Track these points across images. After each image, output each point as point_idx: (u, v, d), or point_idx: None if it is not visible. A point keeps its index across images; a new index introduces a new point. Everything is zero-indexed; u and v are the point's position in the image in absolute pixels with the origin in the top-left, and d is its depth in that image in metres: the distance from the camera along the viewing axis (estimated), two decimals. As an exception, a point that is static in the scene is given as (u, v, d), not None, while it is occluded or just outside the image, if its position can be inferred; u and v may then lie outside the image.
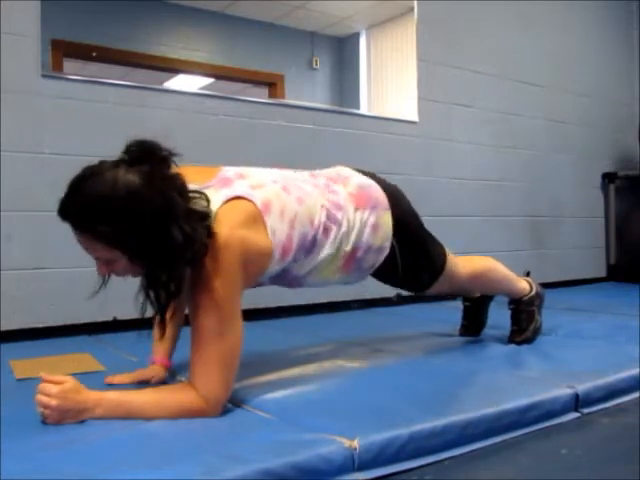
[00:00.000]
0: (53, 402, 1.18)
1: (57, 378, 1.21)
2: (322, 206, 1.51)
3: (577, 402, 1.40)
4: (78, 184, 1.28)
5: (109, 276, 1.41)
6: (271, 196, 1.41)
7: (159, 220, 1.21)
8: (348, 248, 1.55)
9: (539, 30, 3.96)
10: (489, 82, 3.67)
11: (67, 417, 1.19)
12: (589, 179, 4.28)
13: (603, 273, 4.34)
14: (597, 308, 2.85)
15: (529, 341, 1.98)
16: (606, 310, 2.79)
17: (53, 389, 1.19)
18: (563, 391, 1.40)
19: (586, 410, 1.41)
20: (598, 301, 3.21)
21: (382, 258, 1.63)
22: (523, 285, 2.02)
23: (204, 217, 1.28)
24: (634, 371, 1.59)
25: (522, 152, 3.83)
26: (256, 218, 1.36)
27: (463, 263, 1.86)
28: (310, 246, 1.48)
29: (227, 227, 1.29)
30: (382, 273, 1.70)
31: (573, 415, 1.38)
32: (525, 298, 1.99)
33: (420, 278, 1.76)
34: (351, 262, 1.59)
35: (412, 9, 3.37)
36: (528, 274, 2.15)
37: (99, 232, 1.23)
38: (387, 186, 1.68)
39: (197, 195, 1.30)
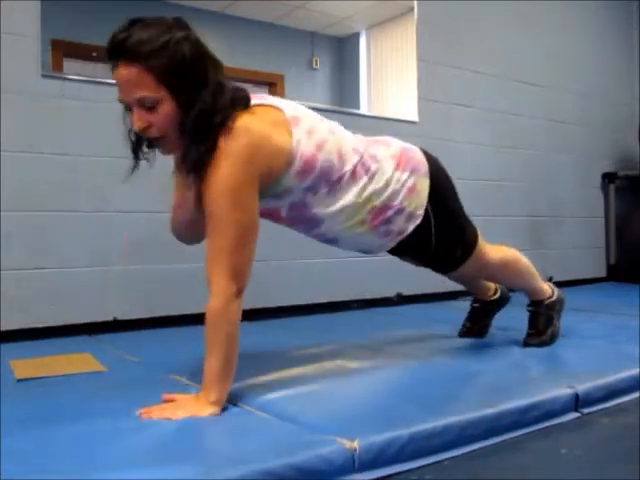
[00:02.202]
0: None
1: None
2: (355, 150, 1.52)
3: (577, 402, 1.41)
4: (135, 20, 1.31)
5: (143, 142, 1.38)
6: (303, 115, 1.45)
7: (205, 68, 1.29)
8: (377, 203, 1.54)
9: (539, 30, 3.96)
10: (489, 82, 3.67)
11: None
12: (589, 179, 4.28)
13: (603, 273, 4.34)
14: (597, 308, 2.85)
15: (546, 344, 1.94)
16: (606, 310, 2.79)
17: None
18: (563, 391, 1.40)
19: (586, 410, 1.41)
20: (598, 301, 3.21)
21: (411, 227, 1.61)
22: (545, 286, 2.00)
23: (235, 96, 1.34)
24: (634, 371, 1.59)
25: (522, 152, 3.83)
26: (282, 123, 1.39)
27: (494, 247, 1.85)
28: (334, 183, 1.47)
29: (250, 118, 1.33)
30: (414, 246, 1.68)
31: (573, 415, 1.38)
32: (546, 302, 1.96)
33: (453, 252, 1.73)
34: (379, 219, 1.56)
35: (412, 9, 3.36)
36: (550, 279, 2.14)
37: (154, 63, 1.24)
38: (429, 155, 1.72)
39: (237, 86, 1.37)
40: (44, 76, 2.31)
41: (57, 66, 2.40)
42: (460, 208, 1.78)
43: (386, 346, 2.01)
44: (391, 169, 1.57)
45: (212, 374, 1.30)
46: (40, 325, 2.29)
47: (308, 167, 1.42)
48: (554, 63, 4.03)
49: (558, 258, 3.98)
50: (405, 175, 1.59)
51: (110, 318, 2.41)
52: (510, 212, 3.74)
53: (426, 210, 1.63)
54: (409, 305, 3.13)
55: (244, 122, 1.32)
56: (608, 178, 4.31)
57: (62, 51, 2.46)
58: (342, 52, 3.53)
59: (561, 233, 4.04)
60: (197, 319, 2.48)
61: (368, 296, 3.08)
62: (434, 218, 1.64)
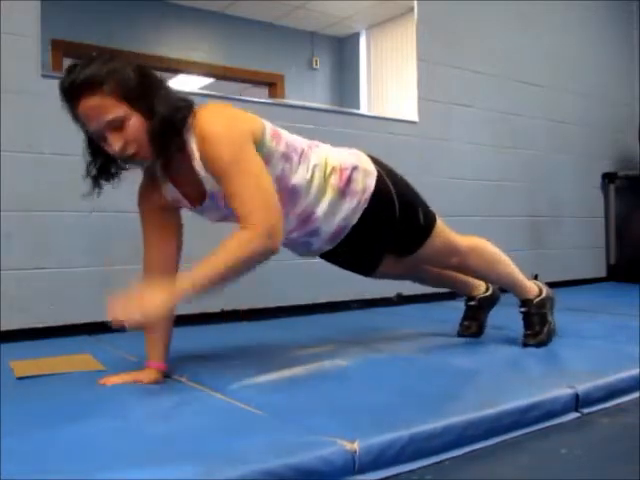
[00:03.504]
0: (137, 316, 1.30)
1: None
2: (301, 138, 1.71)
3: (577, 402, 1.41)
4: (73, 67, 1.41)
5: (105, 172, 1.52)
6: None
7: (150, 81, 1.44)
8: (337, 165, 1.69)
9: (539, 30, 3.96)
10: (489, 82, 3.67)
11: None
12: (589, 179, 4.28)
13: (603, 273, 4.34)
14: (597, 308, 2.85)
15: (544, 344, 1.95)
16: (606, 310, 2.79)
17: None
18: (563, 391, 1.40)
19: (586, 410, 1.41)
20: (598, 301, 3.21)
21: (372, 182, 1.73)
22: (530, 284, 2.00)
23: (185, 100, 1.49)
24: (634, 371, 1.59)
25: (522, 152, 3.83)
26: (240, 110, 1.55)
27: (461, 235, 1.93)
28: (300, 152, 1.63)
29: (208, 107, 1.50)
30: (381, 220, 1.76)
31: (573, 415, 1.39)
32: (535, 300, 1.97)
33: (417, 219, 1.82)
34: (342, 178, 1.69)
35: (412, 9, 3.36)
36: (536, 277, 2.15)
37: (110, 87, 1.36)
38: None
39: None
40: (44, 76, 2.31)
41: (57, 66, 2.40)
42: (409, 184, 1.88)
43: (386, 346, 2.01)
44: (330, 147, 1.77)
45: (198, 270, 1.36)
46: (40, 325, 2.29)
47: (276, 134, 1.58)
48: (554, 63, 4.03)
49: (558, 258, 3.99)
50: (343, 149, 1.79)
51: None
52: (510, 212, 3.74)
53: (379, 173, 1.76)
54: (409, 305, 3.13)
55: (209, 107, 1.50)
56: (608, 178, 4.31)
57: (62, 51, 2.46)
58: (342, 52, 3.53)
59: (561, 233, 4.04)
60: (197, 319, 2.48)
61: (368, 296, 3.08)
62: (390, 181, 1.78)
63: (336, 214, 1.71)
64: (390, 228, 1.80)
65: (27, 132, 2.28)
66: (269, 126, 1.57)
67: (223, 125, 1.44)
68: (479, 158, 3.61)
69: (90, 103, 1.37)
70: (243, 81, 3.13)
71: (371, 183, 1.74)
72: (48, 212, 2.32)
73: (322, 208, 1.68)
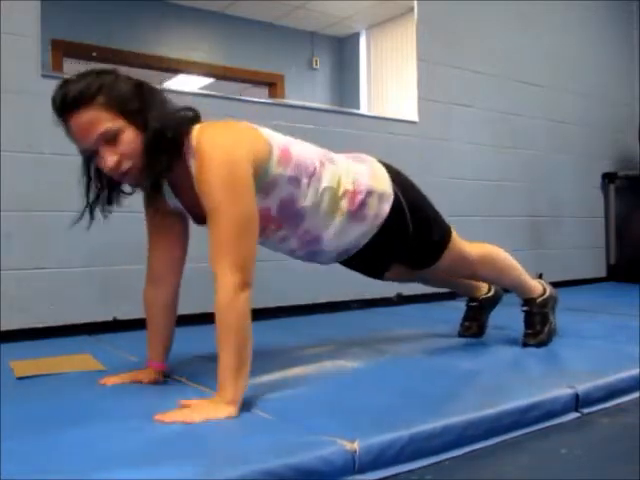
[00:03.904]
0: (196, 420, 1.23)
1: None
2: (315, 149, 1.63)
3: (577, 402, 1.41)
4: (64, 83, 1.38)
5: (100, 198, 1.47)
6: (260, 127, 1.52)
7: (143, 93, 1.38)
8: (350, 187, 1.60)
9: (539, 30, 3.96)
10: (489, 82, 3.67)
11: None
12: (589, 179, 4.28)
13: (603, 273, 4.34)
14: (597, 308, 2.85)
15: (544, 344, 1.95)
16: (606, 310, 2.79)
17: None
18: (563, 391, 1.40)
19: (586, 410, 1.41)
20: (598, 301, 3.21)
21: (387, 208, 1.66)
22: (534, 284, 2.00)
23: (184, 113, 1.43)
24: (634, 371, 1.59)
25: (522, 152, 3.83)
26: (248, 126, 1.48)
27: (472, 243, 1.88)
28: (310, 174, 1.53)
29: (215, 124, 1.42)
30: (392, 236, 1.70)
31: (573, 415, 1.39)
32: (538, 300, 1.96)
33: (431, 239, 1.76)
34: (354, 203, 1.61)
35: (412, 9, 3.36)
36: (540, 276, 2.14)
37: (102, 100, 1.32)
38: (380, 160, 1.79)
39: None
40: (44, 76, 2.31)
41: (57, 66, 2.40)
42: (426, 197, 1.83)
43: (386, 346, 2.01)
44: (346, 162, 1.67)
45: (225, 372, 1.27)
46: (40, 325, 2.29)
47: (286, 155, 1.48)
48: (554, 63, 4.03)
49: (558, 258, 3.98)
50: (360, 165, 1.69)
51: (110, 318, 2.41)
52: (510, 212, 3.74)
53: (396, 195, 1.68)
54: (409, 305, 3.13)
55: (215, 126, 1.42)
56: (608, 178, 4.31)
57: (62, 51, 2.46)
58: (342, 52, 3.53)
59: (561, 233, 4.04)
60: (197, 319, 2.48)
61: (368, 296, 3.08)
62: (406, 202, 1.70)
63: (343, 237, 1.66)
64: (401, 248, 1.77)
65: (27, 132, 2.28)
66: (278, 146, 1.47)
67: (223, 152, 1.33)
68: (479, 158, 3.61)
69: (82, 117, 1.32)
70: (243, 81, 3.13)
71: (385, 209, 1.66)
72: (48, 212, 2.32)
73: (329, 232, 1.62)
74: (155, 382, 1.54)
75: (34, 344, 2.16)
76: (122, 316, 2.41)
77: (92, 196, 1.45)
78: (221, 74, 3.05)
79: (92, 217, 1.46)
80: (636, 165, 4.34)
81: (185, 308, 2.47)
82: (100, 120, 1.32)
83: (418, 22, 3.37)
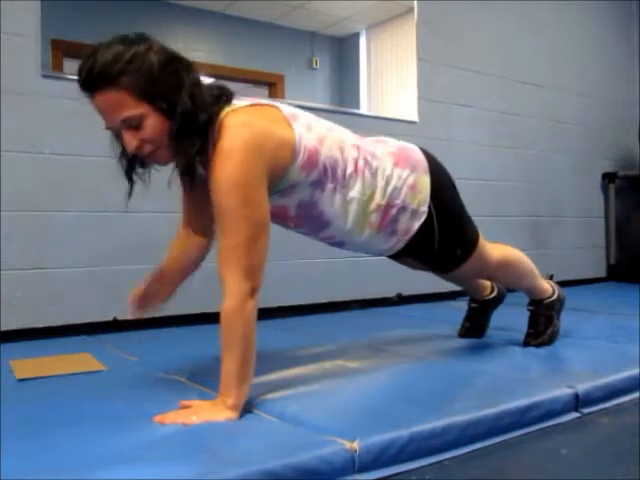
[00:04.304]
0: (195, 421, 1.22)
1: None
2: (355, 146, 1.52)
3: (577, 402, 1.40)
4: (94, 51, 1.27)
5: (135, 164, 1.41)
6: (300, 113, 1.44)
7: (176, 71, 1.28)
8: (383, 202, 1.53)
9: (539, 30, 3.96)
10: (489, 82, 3.67)
11: None
12: (589, 179, 4.28)
13: (603, 273, 4.34)
14: (597, 308, 2.85)
15: (545, 344, 1.94)
16: (606, 310, 2.79)
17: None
18: (563, 391, 1.40)
19: (586, 410, 1.41)
20: (598, 301, 3.21)
21: (417, 225, 1.60)
22: (545, 286, 1.98)
23: (217, 94, 1.36)
24: (634, 371, 1.59)
25: (522, 152, 3.83)
26: (281, 119, 1.38)
27: (496, 246, 1.84)
28: (339, 179, 1.46)
29: (247, 114, 1.33)
30: (417, 246, 1.66)
31: (573, 415, 1.38)
32: (546, 301, 1.95)
33: (455, 251, 1.72)
34: (386, 218, 1.56)
35: (412, 9, 3.36)
36: (551, 277, 2.13)
37: (126, 81, 1.24)
38: (428, 153, 1.70)
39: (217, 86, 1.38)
40: (44, 76, 2.31)
41: (57, 66, 2.40)
42: (462, 206, 1.77)
43: (386, 346, 2.01)
44: (390, 166, 1.56)
45: (229, 377, 1.27)
46: (40, 325, 2.29)
47: (312, 160, 1.40)
48: (554, 63, 4.03)
49: (558, 258, 3.98)
50: (405, 172, 1.58)
51: (110, 318, 2.41)
52: (510, 212, 3.74)
53: (429, 209, 1.61)
54: (409, 305, 3.13)
55: (242, 118, 1.32)
56: (608, 178, 4.31)
57: (62, 51, 2.46)
58: (342, 52, 3.53)
59: (561, 233, 4.04)
60: (197, 319, 2.48)
61: (368, 296, 3.08)
62: (437, 216, 1.63)
63: (368, 247, 1.65)
64: (424, 256, 1.75)
65: (27, 132, 2.28)
66: (307, 147, 1.38)
67: (242, 152, 1.26)
68: (479, 158, 3.61)
69: (106, 98, 1.25)
70: (243, 81, 3.13)
71: (415, 226, 1.60)
72: (48, 212, 2.32)
73: (354, 241, 1.60)
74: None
75: (34, 344, 2.16)
76: (122, 316, 2.41)
77: (125, 164, 1.41)
78: (221, 74, 3.05)
79: (131, 182, 1.43)
80: (636, 165, 4.34)
81: (185, 308, 2.48)
82: (123, 104, 1.25)
83: (418, 22, 3.37)
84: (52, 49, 2.38)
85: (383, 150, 1.59)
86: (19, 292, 2.25)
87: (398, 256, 1.80)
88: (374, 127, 3.20)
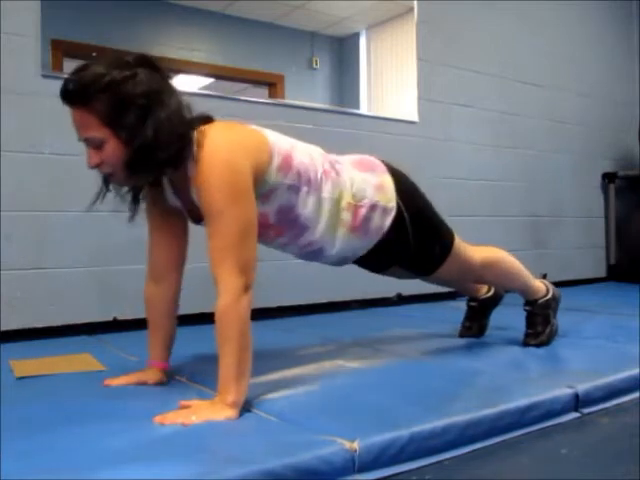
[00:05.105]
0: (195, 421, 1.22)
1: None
2: (320, 154, 1.61)
3: (577, 402, 1.41)
4: (79, 68, 1.35)
5: (104, 186, 1.50)
6: (266, 129, 1.52)
7: (150, 101, 1.31)
8: (352, 201, 1.59)
9: (539, 30, 3.96)
10: (489, 82, 3.67)
11: None
12: (589, 179, 4.28)
13: (603, 273, 4.34)
14: (597, 308, 2.85)
15: (544, 344, 1.94)
16: (606, 310, 2.79)
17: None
18: (563, 391, 1.40)
19: (586, 410, 1.41)
20: (598, 301, 3.21)
21: (388, 221, 1.65)
22: (538, 285, 1.99)
23: (195, 119, 1.40)
24: (634, 371, 1.59)
25: (522, 152, 3.83)
26: (252, 129, 1.48)
27: (475, 247, 1.87)
28: (311, 182, 1.52)
29: (222, 123, 1.43)
30: (393, 246, 1.70)
31: (573, 415, 1.38)
32: (541, 301, 1.96)
33: (432, 249, 1.75)
34: (357, 217, 1.61)
35: (412, 9, 3.37)
36: (544, 276, 2.13)
37: (96, 106, 1.30)
38: (383, 160, 1.77)
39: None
40: (44, 76, 2.31)
41: (57, 66, 2.40)
42: (430, 205, 1.81)
43: (386, 346, 2.01)
44: (352, 169, 1.65)
45: (226, 374, 1.27)
46: (40, 325, 2.29)
47: (287, 163, 1.47)
48: (554, 63, 4.03)
49: (558, 258, 3.99)
50: (367, 175, 1.66)
51: (110, 318, 2.41)
52: (510, 212, 3.74)
53: (399, 207, 1.67)
54: (409, 305, 3.13)
55: (221, 125, 1.41)
56: (608, 178, 4.31)
57: (62, 51, 2.46)
58: (342, 52, 3.53)
59: (561, 233, 4.04)
60: (197, 319, 2.48)
61: (368, 296, 3.08)
62: (407, 212, 1.68)
63: (345, 248, 1.66)
64: (402, 257, 1.77)
65: (27, 132, 2.28)
66: (280, 152, 1.46)
67: (225, 156, 1.32)
68: (479, 158, 3.61)
69: (77, 114, 1.33)
70: (243, 81, 3.13)
71: (387, 223, 1.65)
72: (48, 212, 2.32)
73: (331, 244, 1.62)
74: (161, 382, 1.54)
75: (34, 344, 2.16)
76: (122, 316, 2.41)
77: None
78: (221, 74, 3.06)
79: (107, 189, 1.51)
80: (636, 165, 4.34)
81: (185, 308, 2.48)
82: (89, 125, 1.31)
83: (418, 22, 3.37)
84: (52, 49, 2.38)
85: (344, 158, 1.69)
86: (19, 292, 2.26)
87: (383, 267, 1.85)
88: (374, 127, 3.21)
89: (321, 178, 1.54)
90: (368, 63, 3.49)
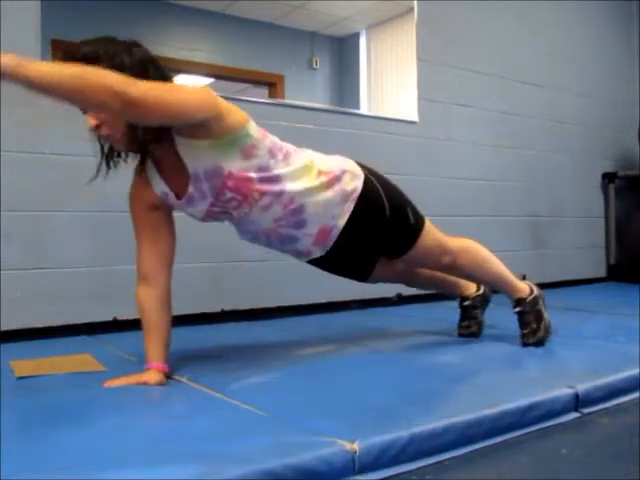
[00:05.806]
0: None
1: None
2: (284, 142, 1.71)
3: (577, 402, 1.41)
4: (81, 43, 1.48)
5: (106, 157, 1.61)
6: None
7: (145, 73, 1.44)
8: (323, 168, 1.70)
9: (539, 30, 3.96)
10: (489, 82, 3.67)
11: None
12: (589, 179, 4.28)
13: (603, 273, 4.34)
14: (597, 308, 2.85)
15: (543, 340, 1.95)
16: (606, 310, 2.79)
17: None
18: (563, 391, 1.40)
19: (586, 410, 1.41)
20: (598, 301, 3.21)
21: (360, 183, 1.74)
22: (522, 285, 2.02)
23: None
24: (634, 371, 1.59)
25: (522, 152, 3.83)
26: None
27: (452, 237, 1.94)
28: (284, 152, 1.64)
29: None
30: (371, 215, 1.76)
31: (573, 415, 1.39)
32: (529, 298, 1.98)
33: (407, 217, 1.82)
34: (330, 177, 1.69)
35: (412, 9, 3.36)
36: (524, 277, 2.15)
37: (101, 67, 1.36)
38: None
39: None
40: (44, 76, 2.30)
41: (57, 66, 2.40)
42: (398, 187, 1.88)
43: (386, 346, 2.01)
44: (317, 153, 1.76)
45: (44, 65, 1.49)
46: (40, 325, 2.29)
47: (263, 133, 1.60)
48: (554, 63, 4.03)
49: (558, 258, 3.99)
50: (330, 156, 1.78)
51: (110, 318, 2.41)
52: (510, 212, 3.74)
53: (367, 177, 1.77)
54: (408, 305, 3.13)
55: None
56: (608, 178, 4.31)
57: (62, 51, 2.46)
58: (342, 52, 3.53)
59: (561, 233, 4.04)
60: (197, 319, 2.48)
61: (368, 296, 3.08)
62: (378, 183, 1.79)
63: (324, 208, 1.69)
64: (381, 229, 1.80)
65: (27, 132, 2.28)
66: (256, 126, 1.60)
67: (201, 90, 1.51)
68: (479, 158, 3.61)
69: None
70: (243, 81, 3.13)
71: (358, 185, 1.74)
72: (48, 212, 2.32)
73: (311, 200, 1.67)
74: (160, 383, 1.54)
75: (34, 344, 2.16)
76: (122, 316, 2.41)
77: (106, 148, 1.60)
78: (221, 74, 3.06)
79: (108, 167, 1.62)
80: (636, 165, 4.34)
81: (185, 308, 2.48)
82: None
83: (418, 22, 3.37)
84: (52, 49, 2.38)
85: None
86: (19, 292, 2.25)
87: (365, 259, 1.92)
88: (374, 127, 3.21)
89: (294, 150, 1.68)
90: (368, 63, 3.49)
